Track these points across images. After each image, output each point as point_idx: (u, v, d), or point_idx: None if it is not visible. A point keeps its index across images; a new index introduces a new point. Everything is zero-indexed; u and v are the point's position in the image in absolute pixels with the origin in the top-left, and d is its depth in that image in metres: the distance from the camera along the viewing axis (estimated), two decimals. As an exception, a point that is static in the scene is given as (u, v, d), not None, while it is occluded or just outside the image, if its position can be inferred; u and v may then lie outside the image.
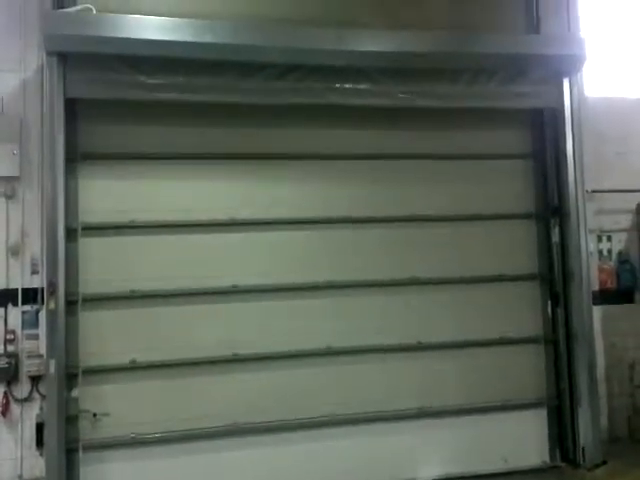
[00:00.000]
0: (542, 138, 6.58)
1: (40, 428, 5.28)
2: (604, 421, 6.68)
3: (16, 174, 5.51)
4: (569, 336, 6.35)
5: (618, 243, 7.05)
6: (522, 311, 6.46)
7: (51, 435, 5.12)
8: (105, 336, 5.51)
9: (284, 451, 5.75)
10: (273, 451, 5.73)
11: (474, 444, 6.14)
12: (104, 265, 5.55)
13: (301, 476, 5.76)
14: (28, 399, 5.44)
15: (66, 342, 5.24)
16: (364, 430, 5.92)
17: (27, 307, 5.47)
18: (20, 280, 5.48)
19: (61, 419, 5.15)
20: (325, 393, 5.90)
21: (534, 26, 6.55)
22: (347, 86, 5.79)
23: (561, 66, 6.23)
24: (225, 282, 5.76)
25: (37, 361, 5.37)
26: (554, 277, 6.47)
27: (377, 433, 5.95)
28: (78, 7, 5.30)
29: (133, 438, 5.45)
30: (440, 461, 6.09)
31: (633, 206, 7.10)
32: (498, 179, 6.48)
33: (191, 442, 5.57)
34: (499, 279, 6.36)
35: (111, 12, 5.32)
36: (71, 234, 5.42)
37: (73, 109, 5.49)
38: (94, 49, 5.21)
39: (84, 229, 5.48)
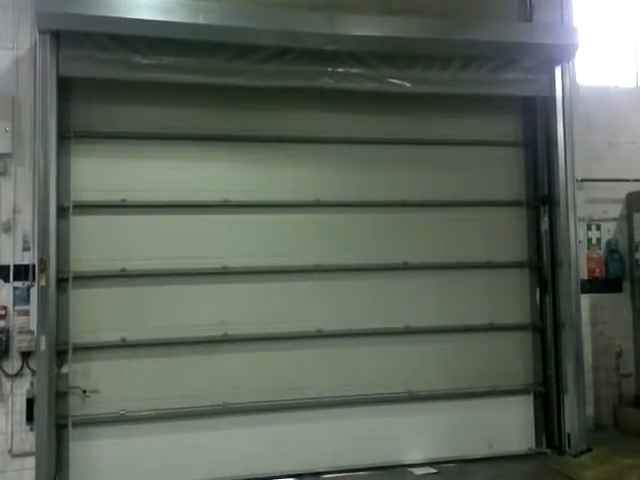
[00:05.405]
0: (533, 126, 6.61)
1: (30, 403, 5.33)
2: (590, 409, 6.73)
3: (8, 151, 5.52)
4: (557, 324, 6.40)
5: (607, 232, 7.10)
6: (511, 298, 6.51)
7: (41, 411, 5.17)
8: (96, 314, 5.58)
9: (271, 432, 5.81)
10: (260, 431, 5.78)
11: (460, 429, 6.20)
12: (95, 243, 5.61)
13: (287, 457, 5.81)
14: (19, 374, 5.47)
15: (57, 319, 5.31)
16: (351, 412, 5.99)
17: (19, 283, 5.49)
18: (12, 256, 5.51)
19: (51, 395, 5.21)
20: (313, 376, 5.95)
21: (527, 14, 6.57)
22: (339, 70, 5.82)
23: (553, 55, 6.26)
24: (216, 263, 5.81)
25: (28, 337, 5.41)
26: (543, 265, 6.52)
27: (364, 416, 6.01)
28: (72, -15, 5.31)
29: (122, 415, 5.52)
30: (426, 445, 6.15)
31: (623, 196, 7.13)
32: (489, 166, 6.52)
33: (179, 420, 5.64)
34: (488, 266, 6.41)
35: (105, -9, 5.33)
36: (63, 212, 5.47)
37: (67, 88, 5.53)
38: (87, 28, 5.24)
39: (76, 207, 5.53)
